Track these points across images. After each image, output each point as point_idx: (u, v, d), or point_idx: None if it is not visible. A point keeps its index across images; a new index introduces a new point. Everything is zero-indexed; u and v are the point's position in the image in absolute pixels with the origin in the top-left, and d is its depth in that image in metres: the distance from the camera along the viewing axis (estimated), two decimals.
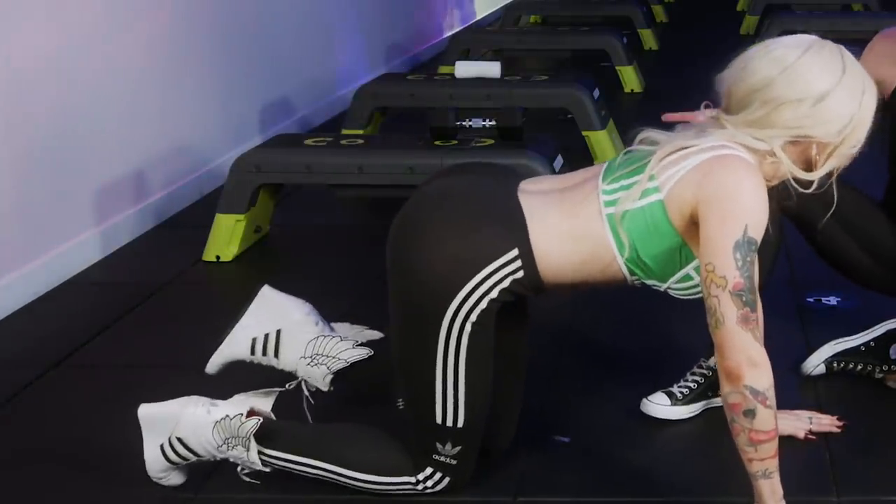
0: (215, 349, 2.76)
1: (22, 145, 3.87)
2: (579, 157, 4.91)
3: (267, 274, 4.14)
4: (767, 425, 2.25)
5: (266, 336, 2.74)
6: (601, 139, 5.35)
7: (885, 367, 3.05)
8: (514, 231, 2.38)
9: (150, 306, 3.80)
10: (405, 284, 2.42)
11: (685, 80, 7.49)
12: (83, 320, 3.66)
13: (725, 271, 2.22)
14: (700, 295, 2.32)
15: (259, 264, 4.22)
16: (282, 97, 5.98)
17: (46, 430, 2.95)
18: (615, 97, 6.75)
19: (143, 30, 4.64)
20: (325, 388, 2.73)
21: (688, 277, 2.39)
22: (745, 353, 2.21)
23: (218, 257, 4.20)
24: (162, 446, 2.56)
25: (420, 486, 2.54)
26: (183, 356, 3.35)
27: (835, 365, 3.09)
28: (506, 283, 2.38)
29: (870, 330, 3.09)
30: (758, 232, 2.26)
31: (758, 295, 2.26)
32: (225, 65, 5.35)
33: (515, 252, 2.37)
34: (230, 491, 2.63)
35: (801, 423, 2.82)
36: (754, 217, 2.26)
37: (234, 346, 2.75)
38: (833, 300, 3.65)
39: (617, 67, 7.23)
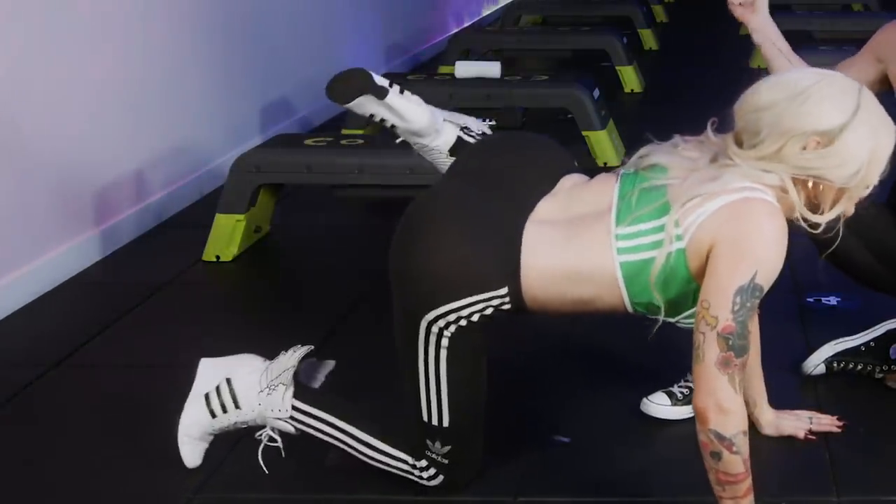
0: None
1: (22, 145, 3.86)
2: (579, 158, 4.91)
3: (267, 274, 4.15)
4: (734, 469, 2.22)
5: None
6: (601, 139, 5.35)
7: (885, 367, 3.05)
8: (508, 269, 2.33)
9: (150, 306, 3.80)
10: (397, 281, 2.43)
11: (685, 80, 7.51)
12: (83, 320, 3.66)
13: (719, 311, 2.17)
14: None
15: (259, 264, 4.22)
16: (282, 97, 5.98)
17: (46, 430, 2.95)
18: (615, 97, 6.75)
19: (143, 29, 4.64)
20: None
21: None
22: (714, 397, 2.17)
23: (218, 257, 4.20)
24: (207, 395, 2.60)
25: (417, 472, 2.54)
26: (183, 356, 3.35)
27: (835, 365, 3.09)
28: (488, 312, 2.36)
29: (870, 330, 3.09)
30: (767, 280, 2.20)
31: (749, 341, 2.20)
32: (225, 65, 5.35)
33: (505, 290, 2.34)
34: (230, 491, 2.63)
35: (801, 422, 2.82)
36: (767, 265, 2.20)
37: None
38: (833, 300, 3.65)
39: (617, 67, 7.23)
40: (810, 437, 2.80)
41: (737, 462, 2.21)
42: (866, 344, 3.07)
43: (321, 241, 4.48)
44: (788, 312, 3.54)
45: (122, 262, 4.24)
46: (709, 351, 2.17)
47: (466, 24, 9.37)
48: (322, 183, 4.33)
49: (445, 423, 2.47)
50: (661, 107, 6.54)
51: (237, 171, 4.24)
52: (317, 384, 2.69)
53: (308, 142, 4.39)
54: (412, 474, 2.55)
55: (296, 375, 2.61)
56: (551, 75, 5.75)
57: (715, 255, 2.22)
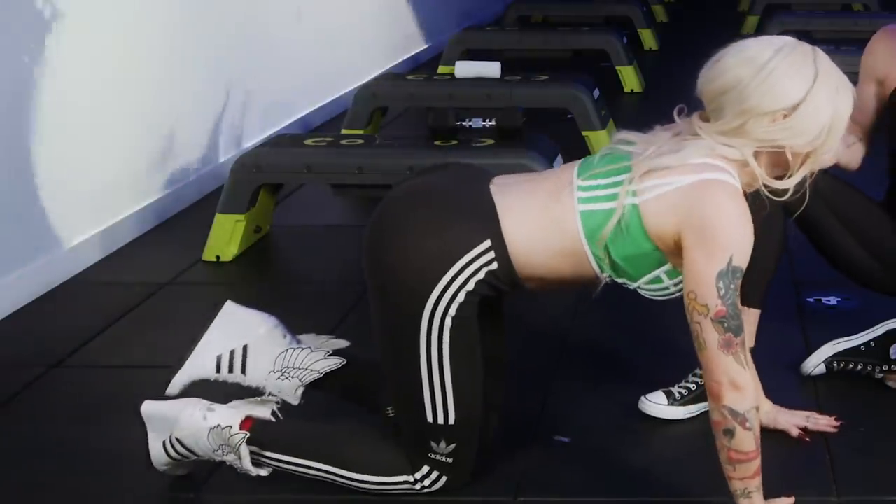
0: None
1: (22, 145, 3.87)
2: (579, 158, 4.91)
3: (267, 274, 4.15)
4: (746, 446, 2.27)
5: (232, 353, 2.67)
6: (601, 139, 5.35)
7: (885, 367, 3.05)
8: (486, 223, 2.38)
9: (150, 306, 3.80)
10: (382, 286, 2.43)
11: (685, 80, 7.49)
12: (83, 320, 3.66)
13: (707, 300, 2.25)
14: (670, 296, 2.39)
15: (259, 264, 4.22)
16: (282, 97, 5.98)
17: (46, 430, 2.95)
18: (615, 97, 6.75)
19: (143, 30, 4.64)
20: (294, 402, 2.65)
21: (658, 280, 2.40)
22: (727, 376, 2.25)
23: (218, 257, 4.20)
24: (164, 443, 2.59)
25: (418, 486, 2.54)
26: (183, 356, 3.35)
27: (835, 365, 3.09)
28: (481, 275, 2.38)
29: (870, 330, 3.09)
30: (742, 260, 2.27)
31: (741, 319, 2.27)
32: (225, 65, 5.35)
33: (488, 243, 2.38)
34: (230, 491, 2.63)
35: (796, 419, 2.82)
36: (739, 247, 2.26)
37: (198, 365, 2.67)
38: (833, 300, 3.65)
39: (617, 67, 7.23)
40: (803, 435, 2.80)
41: (749, 439, 2.27)
42: (866, 344, 3.07)
43: (321, 241, 4.48)
44: (788, 312, 3.54)
45: (122, 262, 4.24)
46: (709, 337, 2.25)
47: (466, 25, 9.37)
48: (322, 183, 4.33)
49: (451, 420, 2.47)
50: (661, 107, 6.52)
51: (237, 171, 4.24)
52: (295, 399, 2.64)
53: (308, 142, 4.39)
54: (412, 489, 2.54)
55: (251, 423, 2.54)
56: (551, 75, 5.75)
57: (687, 246, 2.29)
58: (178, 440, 2.57)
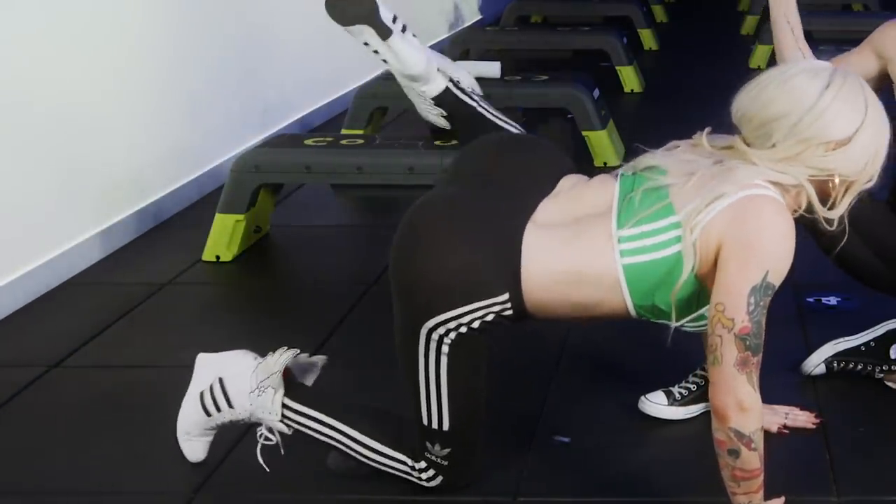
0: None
1: (22, 146, 3.87)
2: (579, 157, 4.91)
3: (267, 274, 4.15)
4: (751, 465, 2.25)
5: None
6: (601, 139, 5.35)
7: (885, 368, 3.05)
8: (508, 275, 2.32)
9: (150, 306, 3.80)
10: (400, 286, 2.42)
11: (685, 80, 7.50)
12: (83, 320, 3.66)
13: (735, 314, 2.18)
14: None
15: (259, 264, 4.22)
16: (282, 97, 5.98)
17: (46, 430, 2.95)
18: (615, 97, 6.74)
19: (143, 30, 4.64)
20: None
21: (702, 317, 2.33)
22: (735, 397, 2.19)
23: (218, 257, 4.20)
24: (202, 393, 2.62)
25: (415, 474, 2.54)
26: (183, 356, 3.35)
27: (835, 365, 3.09)
28: (489, 318, 2.35)
29: (870, 330, 3.09)
30: (778, 278, 2.21)
31: (763, 339, 2.21)
32: (225, 65, 5.35)
33: (506, 296, 2.33)
34: (230, 491, 2.63)
35: (776, 417, 2.82)
36: (777, 264, 2.21)
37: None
38: (833, 300, 3.65)
39: (617, 67, 7.22)
40: (783, 431, 2.81)
41: (754, 458, 2.24)
42: (866, 344, 3.07)
43: (321, 241, 4.48)
44: (788, 312, 3.54)
45: (122, 262, 4.24)
46: (727, 353, 2.19)
47: (466, 25, 9.36)
48: (322, 183, 4.33)
49: (445, 427, 2.47)
50: (661, 107, 6.54)
51: (237, 171, 4.24)
52: (310, 381, 2.69)
53: (308, 142, 4.38)
54: (411, 475, 2.55)
55: (288, 375, 2.61)
56: (551, 75, 5.75)
57: (725, 257, 2.22)
58: (220, 380, 2.60)
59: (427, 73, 2.69)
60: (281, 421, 2.57)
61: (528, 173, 2.49)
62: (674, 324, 2.34)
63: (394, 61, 2.69)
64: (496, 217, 2.38)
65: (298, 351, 2.63)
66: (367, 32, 2.69)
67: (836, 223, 2.32)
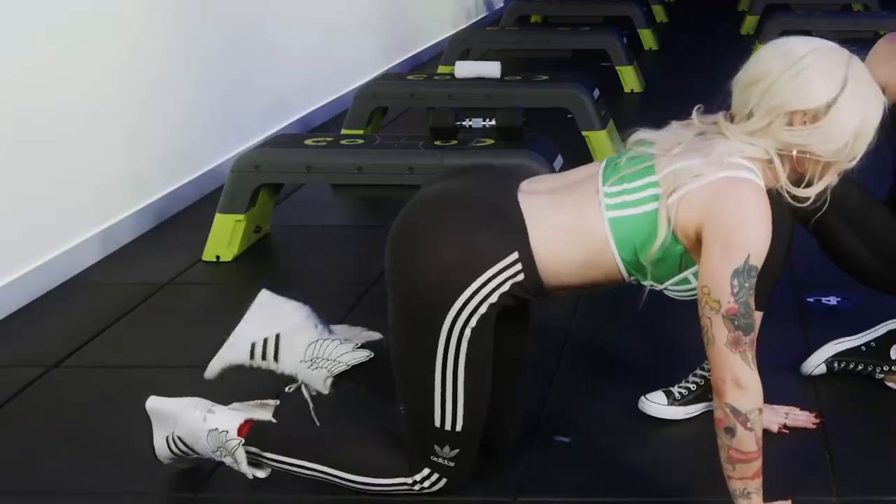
0: (215, 349, 2.75)
1: (22, 146, 3.86)
2: (579, 157, 4.90)
3: (267, 274, 4.15)
4: (747, 446, 2.27)
5: (265, 340, 2.72)
6: (601, 139, 5.35)
7: (885, 368, 3.05)
8: (514, 234, 2.37)
9: (150, 306, 3.80)
10: (404, 291, 2.42)
11: (685, 80, 7.49)
12: (83, 320, 3.66)
13: (720, 296, 2.24)
14: (696, 296, 2.34)
15: (259, 264, 4.22)
16: (282, 97, 5.98)
17: (47, 431, 2.95)
18: (615, 97, 6.75)
19: (142, 30, 4.64)
20: (325, 391, 2.72)
21: (686, 281, 2.39)
22: (731, 373, 2.24)
23: (218, 257, 4.20)
24: (167, 438, 2.62)
25: (417, 487, 2.53)
26: (183, 356, 3.35)
27: (835, 365, 3.09)
28: (506, 287, 2.37)
29: (870, 330, 3.09)
30: (759, 259, 2.26)
31: (754, 318, 2.26)
32: (225, 65, 5.35)
33: (515, 255, 2.36)
34: (230, 491, 2.63)
35: (776, 417, 2.83)
36: (757, 246, 2.25)
37: (234, 352, 2.74)
38: (833, 300, 3.65)
39: (617, 67, 7.23)
40: (784, 431, 2.81)
41: (750, 439, 2.26)
42: (867, 344, 3.07)
43: (321, 241, 4.48)
44: (788, 312, 3.54)
45: (122, 262, 4.24)
46: (718, 333, 2.25)
47: (466, 25, 9.36)
48: (322, 183, 4.33)
49: (459, 428, 2.47)
50: (661, 107, 6.52)
51: (237, 171, 4.24)
52: (269, 415, 2.63)
53: (308, 142, 4.39)
54: (411, 491, 2.54)
55: (250, 424, 2.56)
56: (551, 75, 5.75)
57: (707, 240, 2.27)
58: (178, 438, 2.60)
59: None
60: (259, 467, 2.56)
61: (499, 174, 2.57)
62: (658, 286, 2.41)
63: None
64: (486, 191, 2.44)
65: (247, 416, 2.59)
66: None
67: (810, 201, 2.33)
